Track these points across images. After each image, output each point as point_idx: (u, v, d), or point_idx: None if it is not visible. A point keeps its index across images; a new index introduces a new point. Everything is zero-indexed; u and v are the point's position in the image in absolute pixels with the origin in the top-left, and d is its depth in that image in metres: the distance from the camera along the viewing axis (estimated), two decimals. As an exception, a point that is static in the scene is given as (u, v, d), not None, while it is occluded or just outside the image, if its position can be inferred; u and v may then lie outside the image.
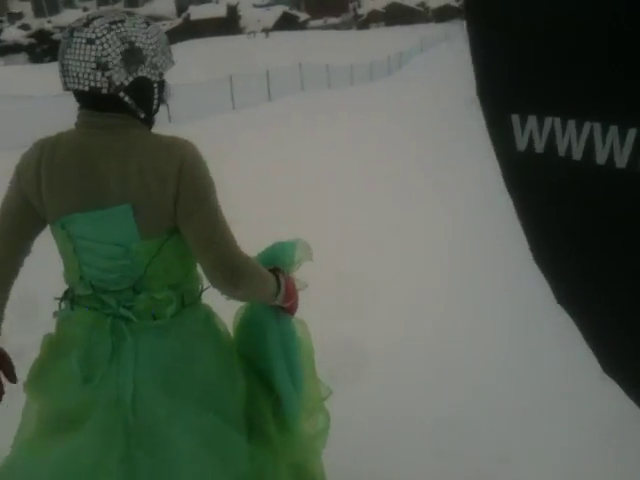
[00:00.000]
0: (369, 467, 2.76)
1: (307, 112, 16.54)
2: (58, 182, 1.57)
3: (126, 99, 1.57)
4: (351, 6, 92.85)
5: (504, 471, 2.87)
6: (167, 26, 65.91)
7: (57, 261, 1.75)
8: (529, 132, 1.06)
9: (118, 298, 1.64)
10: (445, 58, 30.59)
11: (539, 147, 1.05)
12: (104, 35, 1.50)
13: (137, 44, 1.54)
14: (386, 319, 4.49)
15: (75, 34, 1.50)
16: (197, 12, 73.85)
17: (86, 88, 1.51)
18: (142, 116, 1.63)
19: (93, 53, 1.49)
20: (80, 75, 1.50)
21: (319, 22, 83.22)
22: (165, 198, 1.55)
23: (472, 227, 7.27)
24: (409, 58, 32.88)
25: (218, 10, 74.49)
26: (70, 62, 1.50)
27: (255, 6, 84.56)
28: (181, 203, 1.56)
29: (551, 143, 1.04)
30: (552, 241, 1.20)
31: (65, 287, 1.75)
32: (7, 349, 1.76)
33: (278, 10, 79.37)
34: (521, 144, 1.07)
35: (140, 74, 1.56)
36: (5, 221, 1.65)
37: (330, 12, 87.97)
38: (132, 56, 1.53)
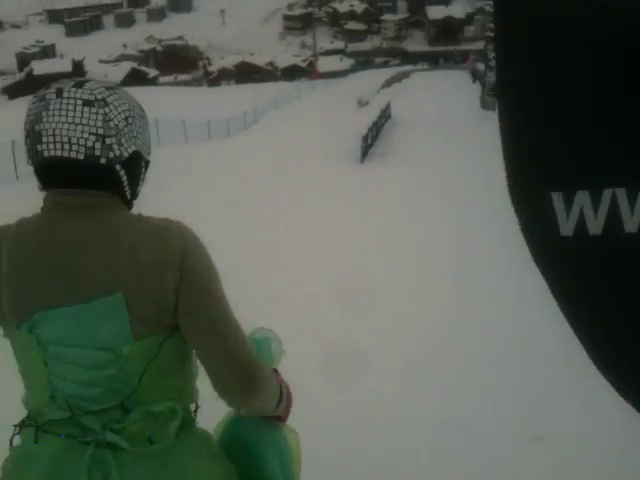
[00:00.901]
0: (369, 466, 2.72)
1: (165, 169, 16.28)
2: (24, 275, 1.28)
3: (122, 173, 1.33)
4: (201, 63, 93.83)
5: (504, 470, 2.87)
6: (9, 80, 62.76)
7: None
8: (578, 211, 0.88)
9: (103, 420, 1.28)
10: (298, 114, 31.60)
11: (595, 228, 0.86)
12: (106, 98, 1.29)
13: (136, 113, 1.36)
14: (386, 319, 4.44)
15: (66, 94, 1.26)
16: (40, 67, 71.31)
17: (80, 156, 1.26)
18: (128, 196, 1.39)
19: (94, 116, 1.27)
20: (74, 141, 1.25)
21: (169, 79, 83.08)
22: (164, 291, 1.27)
23: (471, 227, 7.45)
24: (264, 114, 33.50)
25: (63, 65, 72.46)
26: (59, 125, 1.25)
27: (102, 62, 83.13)
28: (184, 297, 1.29)
29: (613, 220, 0.86)
30: (621, 342, 0.99)
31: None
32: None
33: (126, 66, 78.44)
34: (566, 228, 0.89)
35: (136, 147, 1.35)
36: None
37: (180, 69, 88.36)
38: (134, 124, 1.34)
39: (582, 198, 0.86)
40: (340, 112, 31.07)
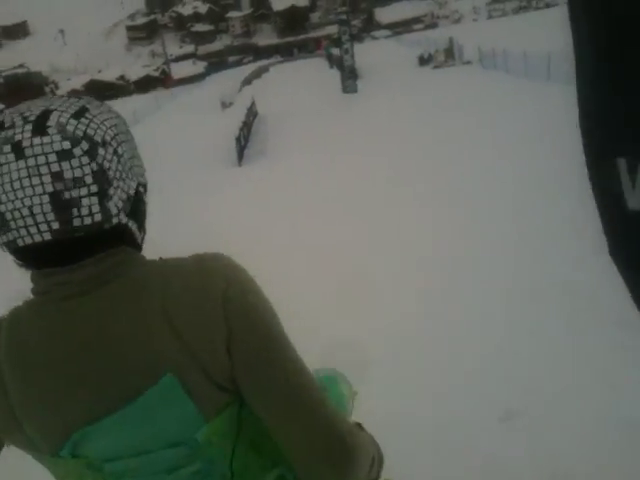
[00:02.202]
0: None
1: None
2: (42, 389, 0.93)
3: (130, 224, 0.99)
4: (47, 89, 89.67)
5: (504, 470, 2.90)
6: None
7: None
8: None
9: None
10: (161, 125, 30.76)
11: None
12: (85, 132, 0.90)
13: (121, 127, 0.98)
14: (386, 319, 4.43)
15: (29, 152, 0.86)
16: None
17: (79, 233, 0.91)
18: (140, 241, 1.05)
19: (79, 172, 0.88)
20: (61, 218, 0.90)
21: (16, 109, 79.07)
22: (215, 354, 0.95)
23: (469, 227, 7.33)
24: (126, 131, 32.37)
25: None
26: (33, 201, 0.87)
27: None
28: (239, 355, 0.97)
29: None
30: None
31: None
32: None
33: (-34, 103, 73.50)
34: (633, 201, 0.70)
35: (137, 180, 1.00)
36: None
37: (25, 97, 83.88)
38: (126, 148, 0.97)
39: None
40: (206, 116, 30.52)
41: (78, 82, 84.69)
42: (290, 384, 0.97)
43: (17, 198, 0.87)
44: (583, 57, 0.72)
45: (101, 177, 0.90)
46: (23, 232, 0.89)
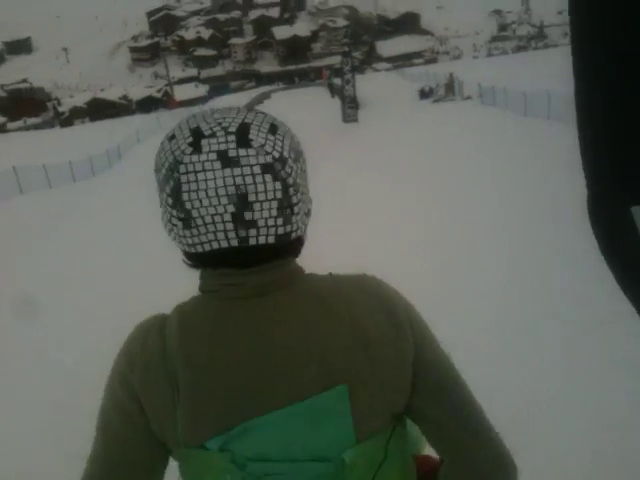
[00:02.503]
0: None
1: (32, 220, 15.41)
2: (212, 384, 0.93)
3: (304, 237, 1.03)
4: (50, 105, 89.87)
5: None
6: None
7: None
8: None
9: None
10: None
11: None
12: (283, 152, 0.92)
13: (299, 146, 1.00)
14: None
15: (236, 163, 0.88)
16: None
17: (271, 240, 0.93)
18: (300, 253, 1.06)
19: (278, 185, 0.91)
20: (261, 224, 0.92)
21: (19, 124, 79.00)
22: (400, 369, 0.96)
23: (468, 227, 7.35)
24: (127, 149, 32.46)
25: None
26: (229, 204, 0.90)
27: (-60, 113, 77.42)
28: (421, 371, 0.98)
29: None
30: None
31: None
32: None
33: (-32, 115, 73.55)
34: None
35: (309, 194, 1.03)
36: (112, 464, 0.97)
37: (28, 112, 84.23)
38: (304, 165, 1.00)
39: None
40: (207, 139, 30.65)
41: (81, 99, 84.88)
42: (461, 400, 1.01)
43: (220, 204, 0.89)
44: (589, 99, 0.70)
45: (292, 193, 0.93)
46: (221, 236, 0.91)
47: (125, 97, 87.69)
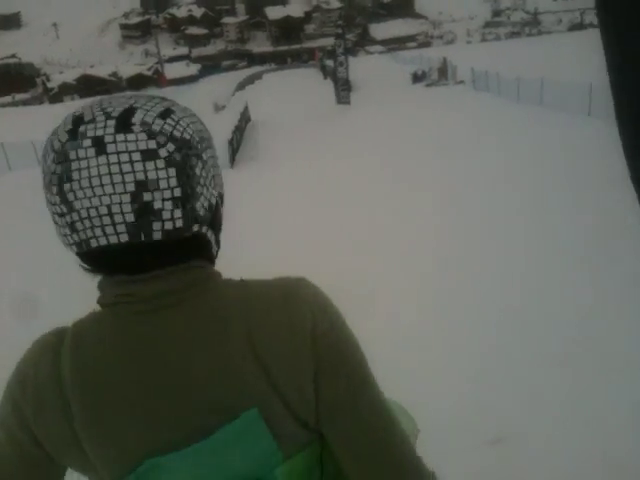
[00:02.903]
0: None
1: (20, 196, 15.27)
2: (109, 412, 0.85)
3: (209, 234, 0.93)
4: (39, 80, 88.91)
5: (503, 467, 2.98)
6: None
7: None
8: None
9: None
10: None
11: None
12: (172, 133, 0.84)
13: (205, 132, 0.92)
14: (386, 320, 4.37)
15: (111, 148, 0.80)
16: None
17: (157, 237, 0.84)
18: (215, 254, 0.98)
19: (163, 173, 0.82)
20: (117, 220, 0.83)
21: (7, 99, 78.09)
22: (301, 389, 0.89)
23: (466, 227, 7.36)
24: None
25: None
26: (112, 200, 0.81)
27: None
28: (326, 391, 0.90)
29: None
30: None
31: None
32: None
33: (-45, 90, 72.61)
34: None
35: (218, 189, 0.95)
36: None
37: (16, 88, 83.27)
38: (210, 154, 0.91)
39: None
40: (197, 119, 30.47)
41: (70, 76, 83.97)
42: (377, 425, 0.92)
43: (95, 195, 0.81)
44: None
45: (185, 181, 0.84)
46: (98, 232, 0.82)
47: (115, 74, 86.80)
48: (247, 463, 0.88)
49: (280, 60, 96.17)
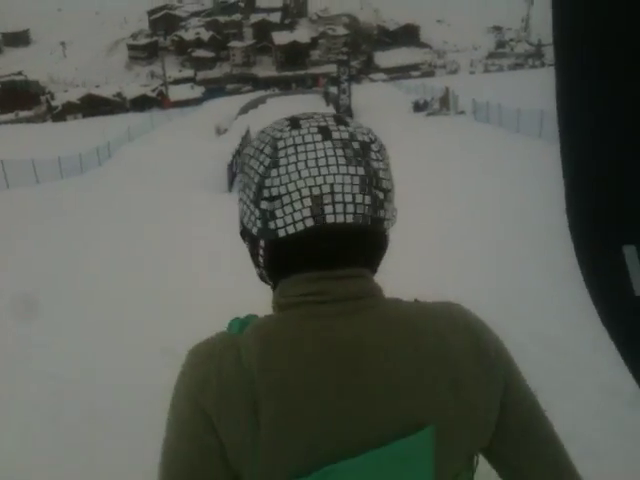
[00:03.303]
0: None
1: (19, 214, 15.24)
2: (300, 416, 0.83)
3: (388, 238, 0.96)
4: (43, 98, 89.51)
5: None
6: None
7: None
8: None
9: None
10: (155, 144, 30.80)
11: None
12: (373, 136, 0.93)
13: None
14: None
15: (336, 135, 0.88)
16: None
17: (368, 221, 0.88)
18: (375, 271, 0.98)
19: (375, 165, 0.89)
20: (364, 200, 0.87)
21: (10, 116, 78.54)
22: (488, 409, 0.89)
23: (463, 227, 7.32)
24: (118, 147, 32.28)
25: None
26: (345, 179, 0.86)
27: None
28: (511, 412, 0.91)
29: None
30: None
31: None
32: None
33: (-41, 105, 72.98)
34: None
35: None
36: None
37: (21, 105, 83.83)
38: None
39: None
40: (199, 141, 30.65)
41: (74, 95, 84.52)
42: (551, 444, 0.92)
43: (320, 175, 0.86)
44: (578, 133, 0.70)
45: (388, 178, 0.92)
46: (339, 208, 0.86)
47: (119, 95, 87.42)
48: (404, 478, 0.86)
49: (284, 85, 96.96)
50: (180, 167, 21.53)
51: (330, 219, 0.86)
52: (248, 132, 27.68)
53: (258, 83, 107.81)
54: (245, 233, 0.96)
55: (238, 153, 22.35)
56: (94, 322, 6.59)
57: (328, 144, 0.87)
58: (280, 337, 0.87)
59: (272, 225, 0.88)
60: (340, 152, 0.87)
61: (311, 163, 0.86)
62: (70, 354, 5.67)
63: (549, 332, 5.34)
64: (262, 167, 0.88)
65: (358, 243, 0.89)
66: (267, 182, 0.87)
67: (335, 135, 0.88)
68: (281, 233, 0.87)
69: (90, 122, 58.35)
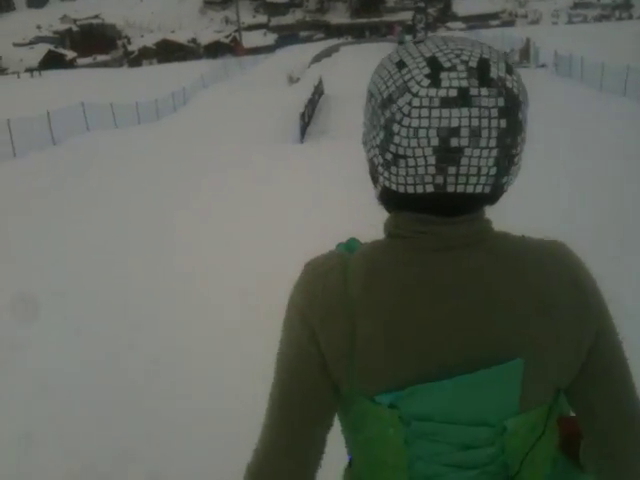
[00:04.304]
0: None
1: (97, 155, 15.71)
2: (399, 337, 0.90)
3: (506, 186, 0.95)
4: (120, 43, 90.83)
5: None
6: None
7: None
8: None
9: None
10: (228, 93, 30.97)
11: None
12: (519, 91, 0.88)
13: (527, 95, 0.93)
14: None
15: (472, 95, 0.83)
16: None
17: (487, 190, 0.89)
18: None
19: (512, 129, 0.86)
20: (485, 172, 0.87)
21: (88, 60, 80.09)
22: (577, 344, 0.94)
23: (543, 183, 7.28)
24: (193, 94, 32.63)
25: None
26: (467, 147, 0.85)
27: (16, 45, 79.11)
28: (599, 350, 0.95)
29: None
30: None
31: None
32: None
33: (42, 49, 74.79)
34: None
35: None
36: (294, 405, 0.97)
37: (98, 49, 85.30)
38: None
39: None
40: (272, 89, 30.63)
41: (150, 40, 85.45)
42: (630, 396, 0.98)
43: (451, 145, 0.84)
44: None
45: (522, 138, 0.89)
46: (462, 180, 0.86)
47: (194, 40, 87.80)
48: (488, 407, 0.93)
49: (358, 33, 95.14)
50: (253, 116, 21.61)
51: (451, 189, 0.87)
52: (320, 81, 27.51)
53: (331, 31, 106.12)
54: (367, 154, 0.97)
55: (310, 102, 22.29)
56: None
57: (465, 112, 0.83)
58: (384, 263, 0.93)
59: (394, 179, 0.90)
60: (475, 123, 0.83)
61: (443, 132, 0.83)
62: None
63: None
64: (393, 121, 0.86)
65: (475, 203, 0.92)
66: (396, 139, 0.86)
67: (475, 102, 0.82)
68: (400, 189, 0.90)
69: (165, 68, 59.02)
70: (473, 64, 0.84)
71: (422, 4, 29.87)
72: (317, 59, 47.16)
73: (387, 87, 0.88)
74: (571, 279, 0.94)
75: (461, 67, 0.83)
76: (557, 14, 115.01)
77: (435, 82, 0.83)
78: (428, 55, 0.86)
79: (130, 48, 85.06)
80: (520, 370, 0.90)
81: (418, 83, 0.84)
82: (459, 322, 0.90)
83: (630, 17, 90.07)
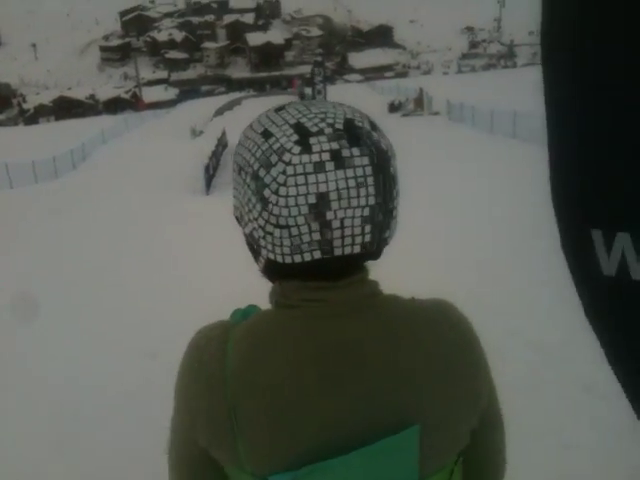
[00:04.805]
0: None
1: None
2: (284, 413, 0.84)
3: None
4: (15, 101, 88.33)
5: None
6: None
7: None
8: (620, 253, 0.76)
9: None
10: (130, 147, 30.54)
11: (636, 273, 0.75)
12: (387, 147, 0.87)
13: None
14: None
15: (345, 157, 0.82)
16: None
17: (373, 247, 0.87)
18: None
19: (388, 185, 0.86)
20: (367, 230, 0.85)
21: (-19, 119, 77.31)
22: (470, 403, 0.92)
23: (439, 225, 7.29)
24: (93, 150, 31.96)
25: None
26: (347, 208, 0.82)
27: None
28: (487, 411, 0.95)
29: None
30: None
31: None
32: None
33: None
34: (608, 268, 0.78)
35: None
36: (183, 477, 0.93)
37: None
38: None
39: (623, 240, 0.76)
40: (175, 143, 30.45)
41: (47, 97, 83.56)
42: (500, 445, 1.03)
43: (331, 210, 0.81)
44: (558, 131, 0.79)
45: (397, 191, 0.88)
46: (348, 241, 0.84)
47: (92, 97, 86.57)
48: (390, 476, 0.87)
49: (259, 87, 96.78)
50: (156, 170, 21.33)
51: (338, 252, 0.84)
52: (224, 133, 27.63)
53: (232, 84, 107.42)
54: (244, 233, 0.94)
55: (214, 155, 22.31)
56: (84, 328, 6.56)
57: (340, 174, 0.81)
58: (269, 335, 0.87)
59: (278, 250, 0.85)
60: (352, 183, 0.81)
61: (321, 197, 0.81)
62: (62, 358, 5.66)
63: (528, 330, 5.44)
64: (269, 192, 0.83)
65: (360, 261, 0.89)
66: (275, 210, 0.83)
67: (348, 162, 0.81)
68: (287, 260, 0.86)
69: (63, 125, 57.66)
70: (339, 125, 0.83)
71: (319, 58, 30.78)
72: (220, 112, 47.50)
73: (256, 159, 0.84)
74: (462, 340, 0.93)
75: (328, 130, 0.83)
76: (447, 65, 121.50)
77: (306, 148, 0.81)
78: (293, 122, 0.84)
79: (25, 106, 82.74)
80: (416, 437, 0.85)
81: (289, 151, 0.82)
82: (350, 395, 0.85)
83: (514, 65, 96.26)
